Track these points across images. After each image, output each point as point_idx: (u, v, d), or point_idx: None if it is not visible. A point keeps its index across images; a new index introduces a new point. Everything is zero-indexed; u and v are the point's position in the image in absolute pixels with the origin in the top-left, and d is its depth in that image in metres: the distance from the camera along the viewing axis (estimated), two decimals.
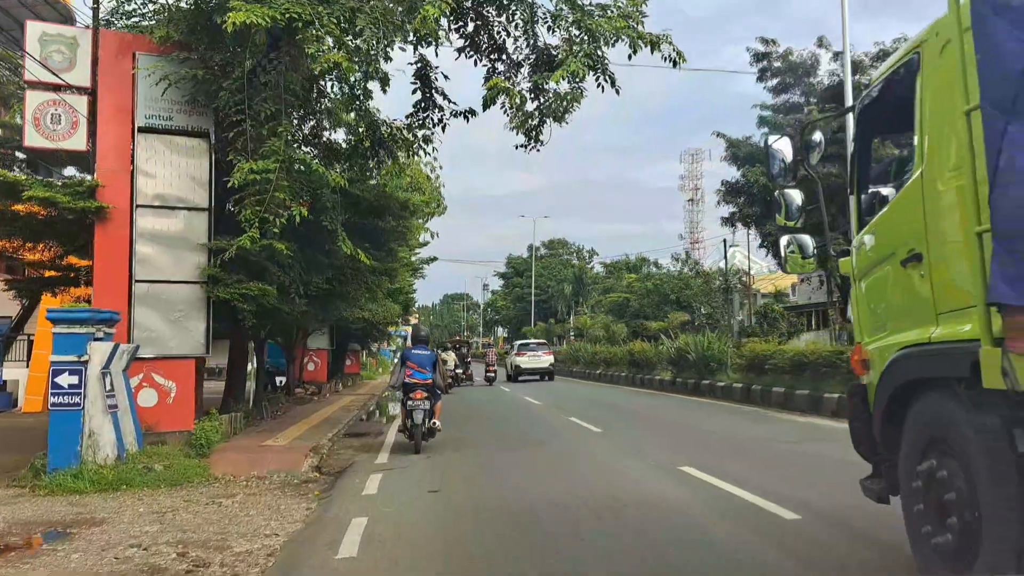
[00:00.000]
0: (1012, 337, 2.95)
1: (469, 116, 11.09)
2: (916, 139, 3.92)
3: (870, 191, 4.66)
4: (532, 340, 39.82)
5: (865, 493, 4.64)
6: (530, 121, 11.23)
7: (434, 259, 31.77)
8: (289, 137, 10.18)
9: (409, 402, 10.92)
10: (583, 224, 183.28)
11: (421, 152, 12.10)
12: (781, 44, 30.92)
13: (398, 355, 14.19)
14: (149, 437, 10.23)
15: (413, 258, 27.07)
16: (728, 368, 18.93)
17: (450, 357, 27.23)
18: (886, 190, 4.47)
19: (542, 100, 11.07)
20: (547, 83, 10.30)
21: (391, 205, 13.19)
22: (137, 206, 10.65)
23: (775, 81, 31.46)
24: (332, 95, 13.30)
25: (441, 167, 29.97)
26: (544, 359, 32.52)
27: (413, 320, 73.60)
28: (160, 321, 10.77)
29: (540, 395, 22.96)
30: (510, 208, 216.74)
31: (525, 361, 32.39)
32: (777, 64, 31.44)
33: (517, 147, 11.49)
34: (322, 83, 11.69)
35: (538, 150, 11.51)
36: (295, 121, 12.45)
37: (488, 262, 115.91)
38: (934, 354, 3.71)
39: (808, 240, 5.32)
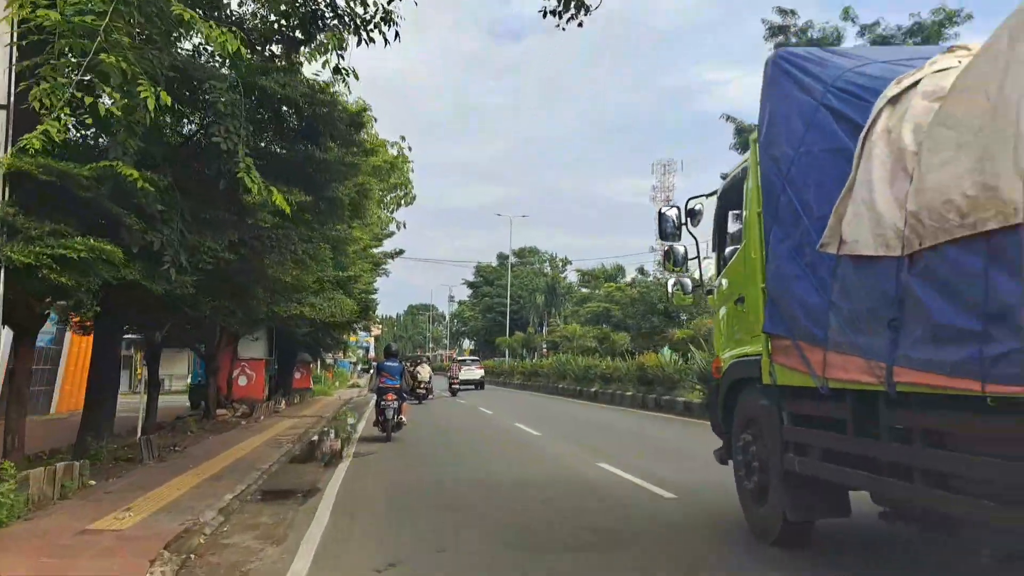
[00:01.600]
0: (774, 353, 5.27)
1: None
2: (744, 219, 6.21)
3: (728, 248, 6.80)
4: (468, 357, 51.30)
5: (715, 459, 6.82)
6: None
7: (401, 252, 27.10)
8: None
9: (383, 402, 14.02)
10: (550, 236, 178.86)
11: (380, 38, 7.39)
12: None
13: (374, 367, 19.51)
14: None
15: (376, 250, 22.17)
16: None
17: (424, 370, 27.89)
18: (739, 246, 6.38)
19: None
20: None
21: (333, 118, 7.72)
22: None
23: None
24: None
25: (410, 148, 25.26)
26: (476, 372, 41.00)
27: (375, 331, 68.69)
28: None
29: (530, 420, 18.24)
30: (476, 220, 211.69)
31: (462, 373, 39.32)
32: (795, 40, 28.23)
33: (545, 15, 6.92)
34: None
35: (580, 23, 6.93)
36: None
37: (460, 262, 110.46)
38: (747, 363, 5.92)
39: (688, 281, 7.59)
